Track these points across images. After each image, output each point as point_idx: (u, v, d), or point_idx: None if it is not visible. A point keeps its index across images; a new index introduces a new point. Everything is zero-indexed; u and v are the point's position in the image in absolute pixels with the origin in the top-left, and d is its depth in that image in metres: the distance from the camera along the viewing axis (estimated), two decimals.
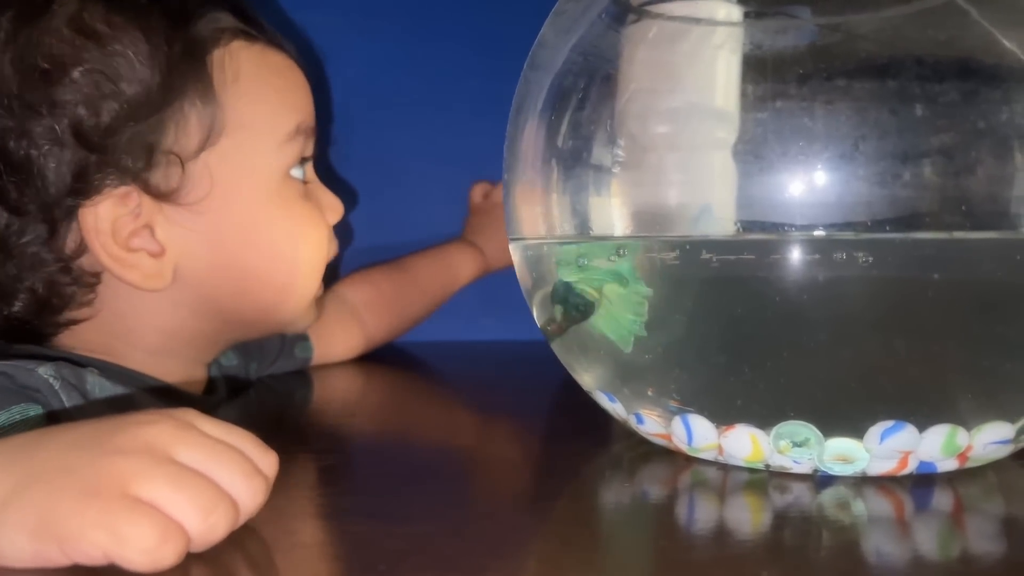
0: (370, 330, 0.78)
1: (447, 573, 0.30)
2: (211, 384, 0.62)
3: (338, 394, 0.66)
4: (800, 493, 0.38)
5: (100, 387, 0.50)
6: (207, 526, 0.30)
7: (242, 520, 0.32)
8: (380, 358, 0.78)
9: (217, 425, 0.34)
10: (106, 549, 0.28)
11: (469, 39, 0.84)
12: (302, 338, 0.72)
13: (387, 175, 0.85)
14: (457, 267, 0.83)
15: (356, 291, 0.78)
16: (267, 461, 0.34)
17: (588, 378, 0.47)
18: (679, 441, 0.43)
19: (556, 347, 0.48)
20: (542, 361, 0.65)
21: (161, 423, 0.32)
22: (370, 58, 0.84)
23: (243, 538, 0.32)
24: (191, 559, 0.30)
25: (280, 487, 0.34)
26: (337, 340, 0.75)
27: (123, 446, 0.31)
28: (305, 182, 0.59)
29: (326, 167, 0.83)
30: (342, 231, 0.84)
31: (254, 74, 0.56)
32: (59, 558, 0.29)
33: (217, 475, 0.31)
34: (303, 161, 0.59)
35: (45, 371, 0.46)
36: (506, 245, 0.63)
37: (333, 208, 0.61)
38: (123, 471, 0.30)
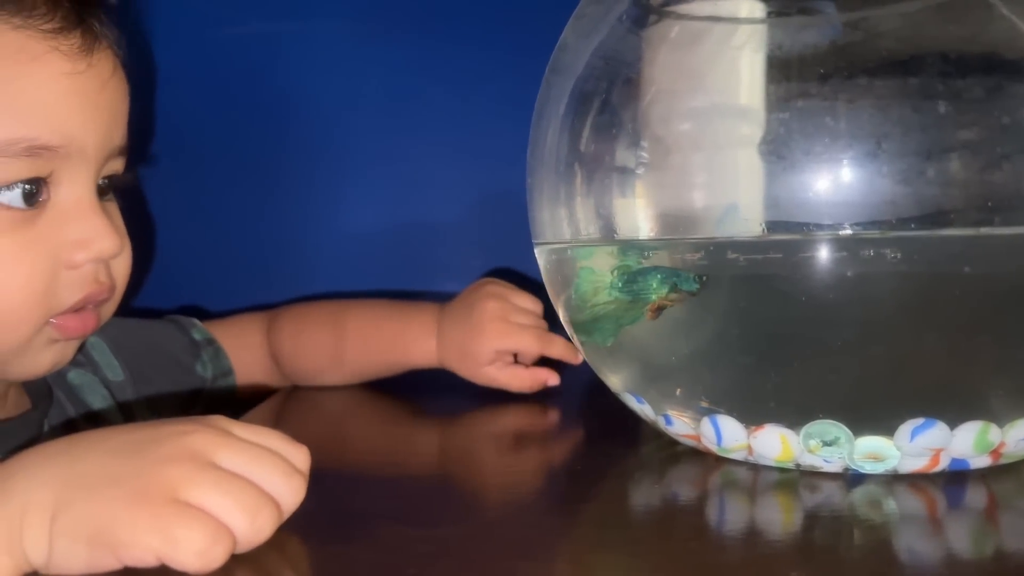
0: (284, 365, 0.70)
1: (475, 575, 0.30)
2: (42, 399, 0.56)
3: (361, 397, 0.66)
4: (831, 492, 0.38)
5: None
6: (254, 528, 0.31)
7: (284, 517, 0.33)
8: None
9: (248, 428, 0.35)
10: (160, 553, 0.30)
11: (489, 43, 0.84)
12: (206, 343, 0.68)
13: (408, 179, 0.85)
14: (410, 351, 0.67)
15: (285, 327, 0.69)
16: (300, 457, 0.35)
17: (616, 380, 0.47)
18: (708, 442, 0.43)
19: (586, 349, 0.48)
20: (568, 362, 0.65)
21: (201, 431, 0.33)
22: (391, 63, 0.84)
23: (276, 543, 0.32)
24: (228, 561, 0.31)
25: (309, 493, 0.34)
26: (243, 355, 0.70)
27: (168, 454, 0.32)
28: (35, 205, 0.46)
29: (346, 171, 0.84)
30: (363, 235, 0.85)
31: None
32: (112, 563, 0.30)
33: (259, 477, 0.33)
34: (30, 183, 0.46)
35: None
36: (465, 352, 0.61)
37: (84, 244, 0.48)
38: (171, 478, 0.31)
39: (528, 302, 0.65)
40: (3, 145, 0.44)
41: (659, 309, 0.41)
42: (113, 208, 0.53)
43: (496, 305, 0.64)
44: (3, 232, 0.45)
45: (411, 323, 0.67)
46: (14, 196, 0.45)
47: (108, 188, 0.52)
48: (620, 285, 0.42)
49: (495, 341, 0.62)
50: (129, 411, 0.61)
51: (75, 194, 0.48)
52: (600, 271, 0.44)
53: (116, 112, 0.50)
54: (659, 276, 0.41)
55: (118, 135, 0.51)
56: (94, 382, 0.60)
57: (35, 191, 0.46)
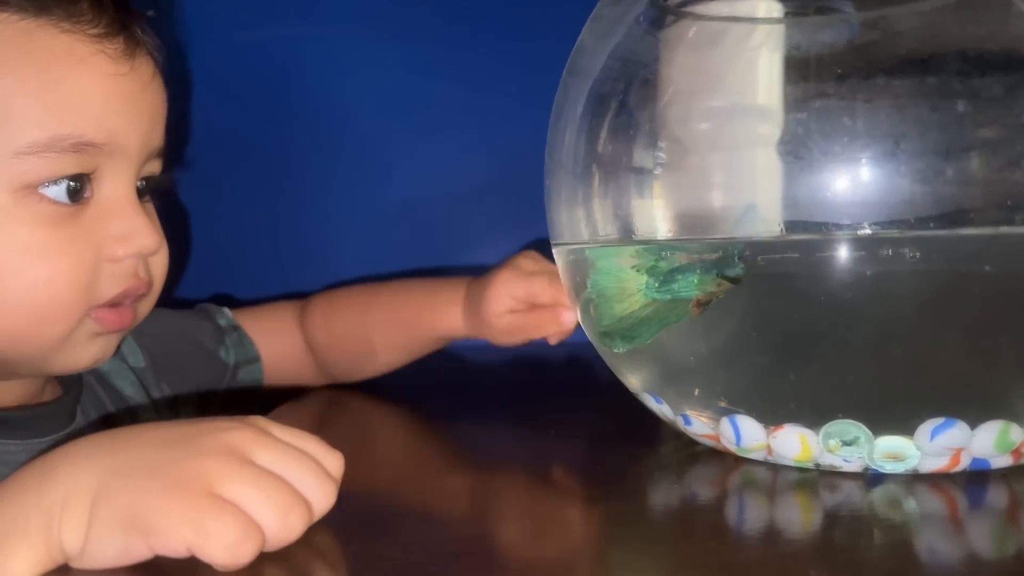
0: (322, 358, 0.70)
1: (497, 574, 0.30)
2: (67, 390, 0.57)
3: (380, 396, 0.67)
4: (851, 492, 0.38)
5: None
6: (285, 526, 0.32)
7: (314, 519, 0.34)
8: (423, 358, 0.78)
9: (286, 430, 0.36)
10: (190, 543, 0.30)
11: (507, 45, 0.84)
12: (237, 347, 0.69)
13: (425, 180, 0.86)
14: (438, 321, 0.67)
15: (315, 316, 0.70)
16: (334, 462, 0.36)
17: (634, 380, 0.47)
18: (727, 442, 0.43)
19: (602, 350, 0.48)
20: (587, 363, 0.65)
21: (240, 429, 0.34)
22: (409, 65, 0.85)
23: (303, 540, 0.33)
24: (256, 559, 0.31)
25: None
26: (278, 352, 0.70)
27: (206, 448, 0.33)
28: (79, 201, 0.48)
29: (365, 171, 0.84)
30: (381, 235, 0.86)
31: None
32: (144, 552, 0.31)
33: (293, 478, 0.33)
34: (75, 179, 0.47)
35: None
36: (481, 307, 0.60)
37: (125, 240, 0.49)
38: (207, 471, 0.32)
39: (550, 264, 0.61)
40: (52, 141, 0.46)
41: (705, 303, 0.41)
42: (151, 209, 0.54)
43: (521, 259, 0.63)
44: (48, 225, 0.47)
45: (438, 294, 0.67)
46: (59, 191, 0.47)
47: (146, 190, 0.54)
48: (657, 285, 0.42)
49: (510, 287, 0.61)
50: (151, 395, 0.63)
51: (117, 191, 0.50)
52: (624, 271, 0.44)
53: (156, 114, 0.53)
54: (698, 270, 0.40)
55: (157, 136, 0.53)
56: (122, 368, 0.62)
57: (79, 188, 0.48)
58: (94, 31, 0.48)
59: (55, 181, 0.47)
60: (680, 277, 0.40)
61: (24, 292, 0.46)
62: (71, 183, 0.47)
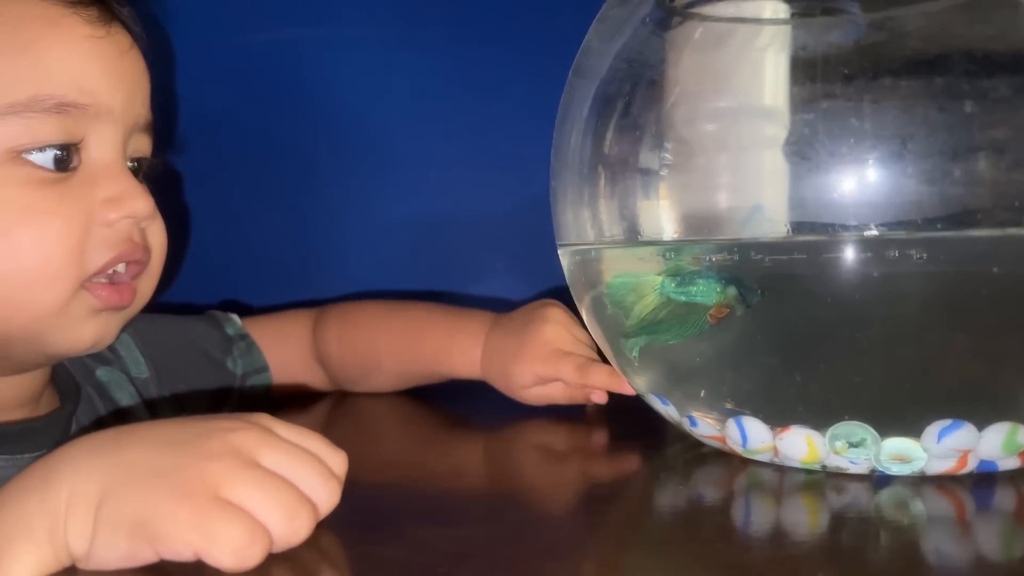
0: (333, 367, 0.69)
1: (503, 575, 0.31)
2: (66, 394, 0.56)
3: (386, 395, 0.67)
4: (857, 494, 0.38)
5: None
6: (292, 529, 0.32)
7: (319, 519, 0.33)
8: None
9: (291, 429, 0.35)
10: (197, 548, 0.30)
11: (513, 46, 0.84)
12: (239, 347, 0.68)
13: (433, 181, 0.86)
14: (455, 362, 0.66)
15: (331, 329, 0.69)
16: (338, 461, 0.36)
17: (640, 381, 0.47)
18: (733, 443, 0.43)
19: (609, 351, 0.48)
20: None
21: (245, 429, 0.34)
22: (417, 67, 0.85)
23: (309, 541, 0.33)
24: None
25: (343, 494, 0.35)
26: (289, 362, 0.70)
27: (212, 451, 0.32)
28: (67, 170, 0.48)
29: (373, 172, 0.84)
30: (388, 235, 0.86)
31: None
32: (150, 556, 0.31)
33: (298, 479, 0.33)
34: (62, 148, 0.47)
35: None
36: (507, 373, 0.59)
37: (116, 203, 0.49)
38: (214, 475, 0.31)
39: (584, 335, 0.61)
40: (32, 101, 0.46)
41: (719, 317, 0.40)
42: (145, 188, 0.53)
43: (553, 332, 0.61)
44: (35, 187, 0.46)
45: (458, 333, 0.65)
46: (46, 159, 0.47)
47: (138, 171, 0.53)
48: (674, 286, 0.42)
49: (537, 366, 0.60)
50: (154, 408, 0.62)
51: (105, 156, 0.49)
52: (639, 274, 0.44)
53: (137, 81, 0.52)
54: (722, 281, 0.40)
55: (141, 106, 0.53)
56: (122, 379, 0.61)
57: (66, 157, 0.48)
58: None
59: (40, 148, 0.46)
60: (701, 282, 0.40)
61: (12, 253, 0.46)
62: (58, 152, 0.47)
